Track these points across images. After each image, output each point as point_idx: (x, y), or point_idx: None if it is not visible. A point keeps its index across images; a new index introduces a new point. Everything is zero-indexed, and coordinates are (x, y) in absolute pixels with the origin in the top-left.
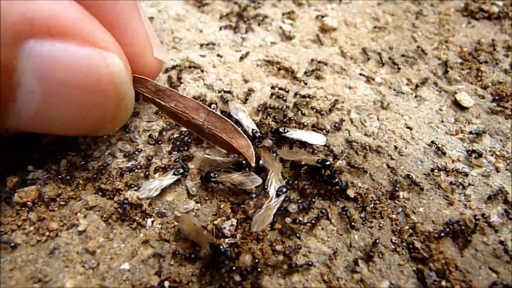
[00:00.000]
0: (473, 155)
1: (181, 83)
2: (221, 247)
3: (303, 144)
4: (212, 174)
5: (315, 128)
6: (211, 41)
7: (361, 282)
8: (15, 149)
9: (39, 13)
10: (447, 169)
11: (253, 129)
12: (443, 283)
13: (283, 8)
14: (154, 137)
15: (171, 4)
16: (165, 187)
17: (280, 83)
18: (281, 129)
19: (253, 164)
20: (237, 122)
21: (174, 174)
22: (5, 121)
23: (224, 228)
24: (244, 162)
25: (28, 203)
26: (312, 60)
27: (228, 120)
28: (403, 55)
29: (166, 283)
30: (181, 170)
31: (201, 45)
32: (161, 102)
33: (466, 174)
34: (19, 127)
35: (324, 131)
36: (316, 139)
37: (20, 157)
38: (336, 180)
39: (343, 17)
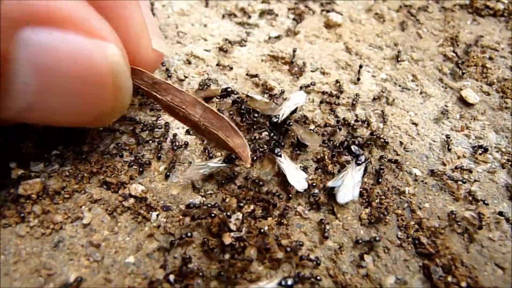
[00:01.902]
0: (479, 151)
1: (185, 77)
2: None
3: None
4: (275, 118)
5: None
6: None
7: (366, 277)
8: (19, 142)
9: (36, 1)
10: (452, 165)
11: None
12: (449, 278)
13: (288, 3)
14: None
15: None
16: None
17: (284, 79)
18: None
19: (248, 165)
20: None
21: (224, 161)
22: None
23: (230, 222)
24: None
25: (33, 195)
26: None
27: (225, 117)
28: None
29: (171, 277)
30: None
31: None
32: (157, 95)
33: (471, 171)
34: (14, 118)
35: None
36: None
37: (24, 150)
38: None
39: (348, 13)
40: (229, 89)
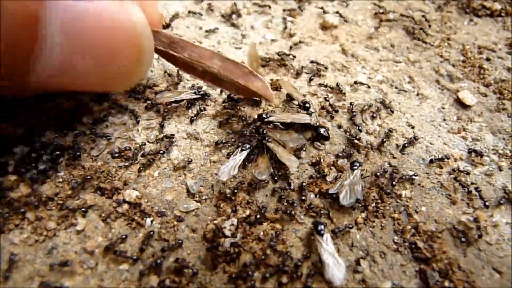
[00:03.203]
0: (473, 154)
1: (180, 80)
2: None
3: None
4: (264, 115)
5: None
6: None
7: (363, 282)
8: (12, 147)
9: None
10: (449, 168)
11: None
12: (446, 283)
13: (283, 5)
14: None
15: (171, 2)
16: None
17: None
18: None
19: (274, 101)
20: None
21: (242, 150)
22: (28, 75)
23: (225, 227)
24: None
25: (26, 202)
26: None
27: (242, 64)
28: None
29: (166, 283)
30: (247, 146)
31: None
32: (175, 53)
33: (469, 173)
34: (41, 83)
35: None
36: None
37: (17, 156)
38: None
39: (344, 14)
40: (201, 92)
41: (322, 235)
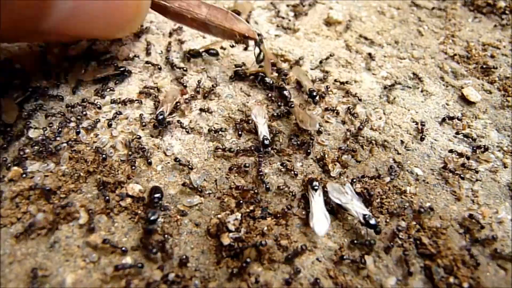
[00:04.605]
0: (478, 151)
1: (183, 74)
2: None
3: None
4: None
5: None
6: None
7: (367, 278)
8: (15, 140)
9: None
10: (454, 165)
11: (264, 136)
12: (451, 279)
13: (287, 0)
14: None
15: None
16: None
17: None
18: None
19: (256, 37)
20: (255, 126)
21: (314, 189)
22: (42, 21)
23: (229, 222)
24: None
25: (28, 195)
26: None
27: (227, 10)
28: None
29: (169, 277)
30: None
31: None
32: (166, 3)
33: (473, 170)
34: (53, 28)
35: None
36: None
37: (20, 149)
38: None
39: (348, 10)
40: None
41: (315, 190)
